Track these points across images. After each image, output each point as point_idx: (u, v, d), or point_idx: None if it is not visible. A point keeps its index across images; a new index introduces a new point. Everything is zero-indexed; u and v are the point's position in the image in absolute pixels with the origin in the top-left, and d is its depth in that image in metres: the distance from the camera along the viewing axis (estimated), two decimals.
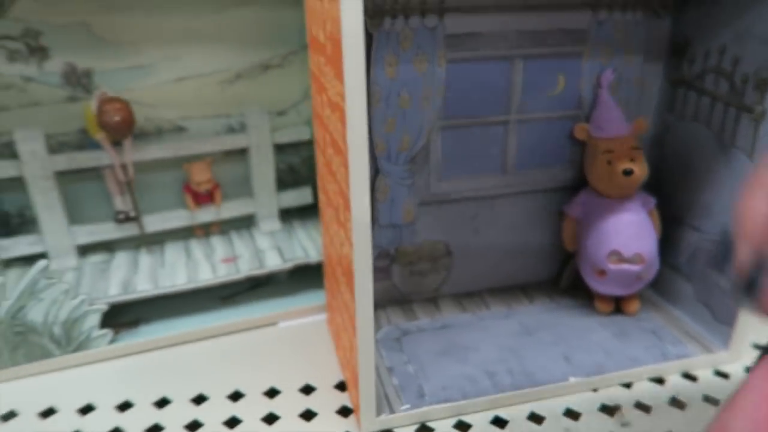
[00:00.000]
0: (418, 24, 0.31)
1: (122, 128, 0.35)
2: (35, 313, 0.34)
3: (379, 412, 0.31)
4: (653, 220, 0.37)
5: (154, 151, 0.39)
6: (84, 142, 0.40)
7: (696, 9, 0.34)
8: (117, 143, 0.38)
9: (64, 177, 0.38)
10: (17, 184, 0.38)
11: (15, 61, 0.37)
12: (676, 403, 0.33)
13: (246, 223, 0.45)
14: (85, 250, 0.41)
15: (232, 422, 0.32)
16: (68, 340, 0.35)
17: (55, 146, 0.38)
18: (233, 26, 0.40)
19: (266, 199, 0.43)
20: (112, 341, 0.36)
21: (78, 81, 0.38)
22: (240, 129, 0.43)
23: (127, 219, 0.40)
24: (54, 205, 0.38)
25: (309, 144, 0.45)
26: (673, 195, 0.37)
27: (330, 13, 0.24)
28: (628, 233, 0.35)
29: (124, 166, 0.38)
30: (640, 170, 0.34)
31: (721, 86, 0.33)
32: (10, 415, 0.32)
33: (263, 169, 0.42)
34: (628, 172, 0.34)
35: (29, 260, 0.39)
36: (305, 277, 0.42)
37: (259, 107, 0.42)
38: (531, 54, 0.34)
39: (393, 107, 0.32)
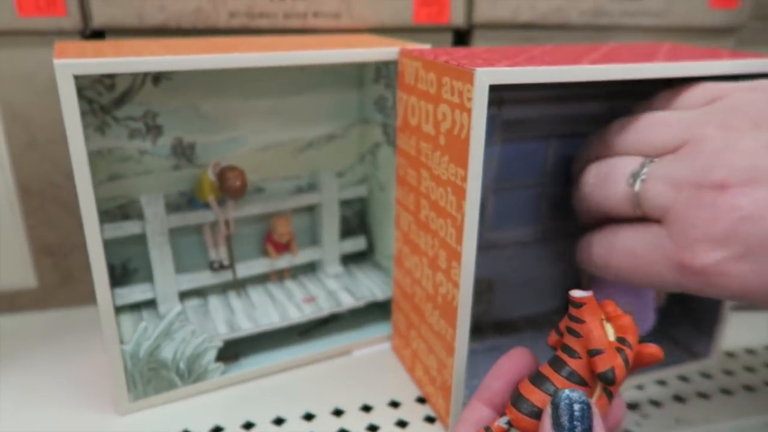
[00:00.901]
0: None
1: (241, 191, 0.42)
2: (167, 351, 0.40)
3: None
4: None
5: (249, 209, 0.47)
6: (180, 202, 0.47)
7: None
8: (220, 202, 0.45)
9: (171, 233, 0.45)
10: (125, 240, 0.44)
11: (134, 138, 0.44)
12: (678, 399, 0.43)
13: (312, 268, 0.52)
14: (182, 296, 0.47)
15: None
16: (190, 373, 0.42)
17: None
18: (308, 105, 0.48)
19: (331, 246, 0.51)
20: (223, 372, 0.43)
21: (183, 152, 0.45)
22: (307, 188, 0.51)
23: (221, 267, 0.47)
24: (165, 258, 0.44)
25: (361, 200, 0.53)
26: None
27: (451, 117, 0.33)
28: None
29: (227, 222, 0.45)
30: None
31: None
32: None
33: (330, 221, 0.50)
34: None
35: (136, 306, 0.46)
36: (368, 312, 0.49)
37: (327, 170, 0.50)
38: (562, 133, 0.44)
39: None
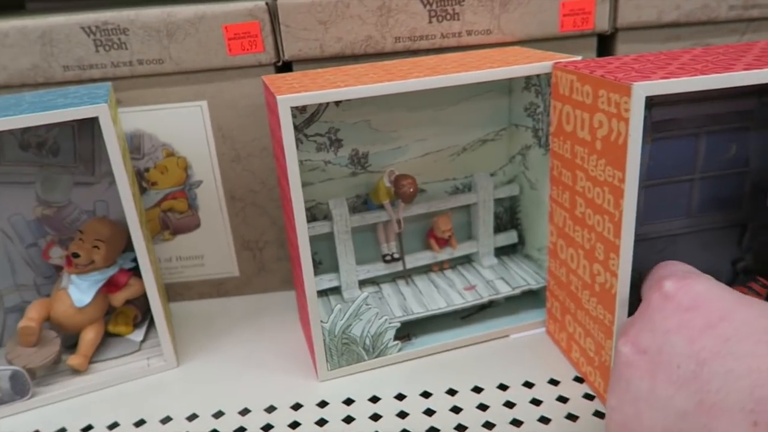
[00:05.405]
0: None
1: (414, 196, 0.49)
2: (356, 330, 0.48)
3: None
4: None
5: (415, 209, 0.54)
6: (357, 204, 0.54)
7: None
8: (392, 204, 0.52)
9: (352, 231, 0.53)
10: (313, 237, 0.53)
11: (320, 150, 0.52)
12: None
13: (468, 259, 0.58)
14: (360, 284, 0.55)
15: (509, 404, 0.45)
16: (374, 349, 0.49)
17: None
18: (463, 113, 0.54)
19: (486, 240, 0.57)
20: (400, 349, 0.50)
21: (359, 161, 0.53)
22: (463, 189, 0.56)
23: (393, 259, 0.54)
24: (348, 252, 0.52)
25: (512, 198, 0.58)
26: None
27: (608, 125, 0.37)
28: None
29: (398, 221, 0.52)
30: None
31: None
32: (349, 401, 0.46)
33: (486, 218, 0.56)
34: None
35: (323, 292, 0.54)
36: (522, 299, 0.54)
37: (482, 171, 0.55)
38: (711, 131, 0.46)
39: None
